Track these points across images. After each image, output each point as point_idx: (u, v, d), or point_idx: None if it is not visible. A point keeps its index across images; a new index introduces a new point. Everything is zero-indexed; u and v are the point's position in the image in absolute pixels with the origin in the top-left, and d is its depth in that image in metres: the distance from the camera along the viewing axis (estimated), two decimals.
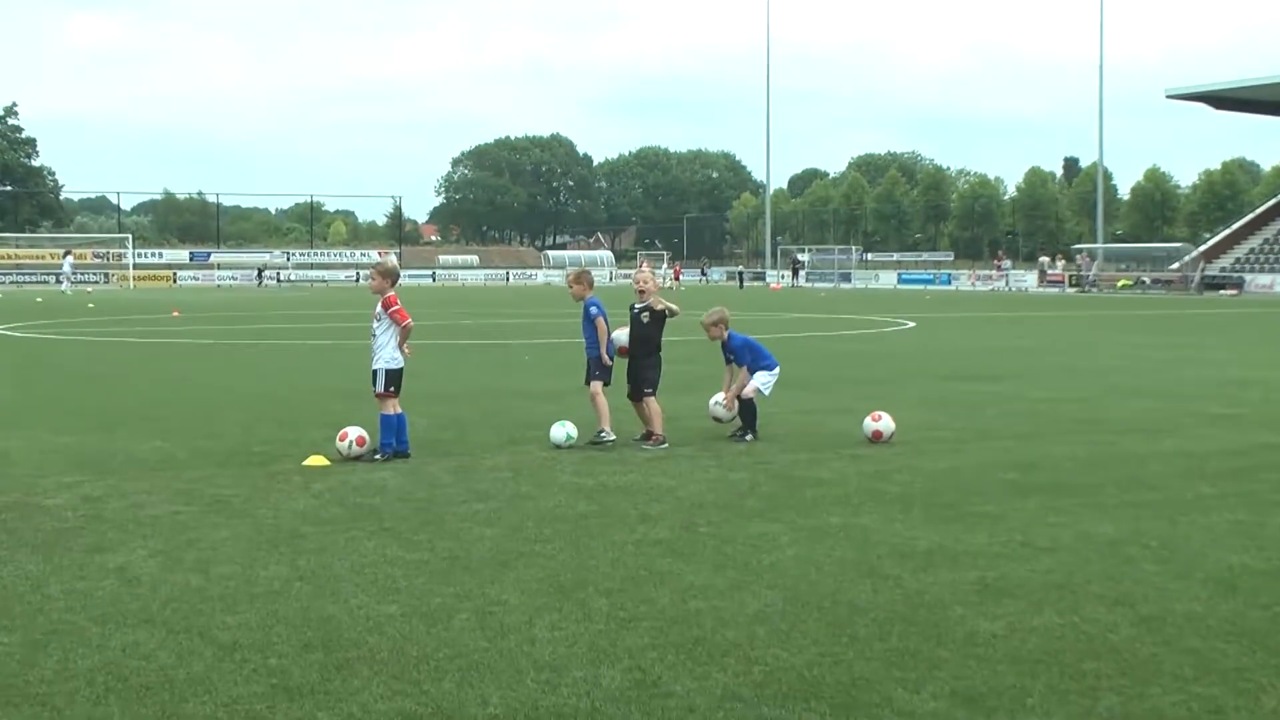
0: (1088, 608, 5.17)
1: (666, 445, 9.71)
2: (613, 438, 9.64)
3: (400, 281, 9.61)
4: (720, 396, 10.33)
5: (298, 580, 5.61)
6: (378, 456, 9.01)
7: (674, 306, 9.87)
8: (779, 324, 29.45)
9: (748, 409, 10.23)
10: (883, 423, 9.98)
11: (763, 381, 10.26)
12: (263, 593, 5.40)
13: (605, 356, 9.73)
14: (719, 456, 9.27)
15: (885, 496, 7.64)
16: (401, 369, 9.26)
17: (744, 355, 10.22)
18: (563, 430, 9.68)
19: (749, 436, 10.09)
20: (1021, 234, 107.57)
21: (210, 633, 4.82)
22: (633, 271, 10.61)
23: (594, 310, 9.74)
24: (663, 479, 8.29)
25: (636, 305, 10.02)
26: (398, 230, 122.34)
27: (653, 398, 9.90)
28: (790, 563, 5.92)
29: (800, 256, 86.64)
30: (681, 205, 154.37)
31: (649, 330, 9.89)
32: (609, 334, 9.83)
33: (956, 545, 6.31)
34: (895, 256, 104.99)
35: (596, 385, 9.78)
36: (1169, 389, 14.55)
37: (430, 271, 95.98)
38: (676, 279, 74.24)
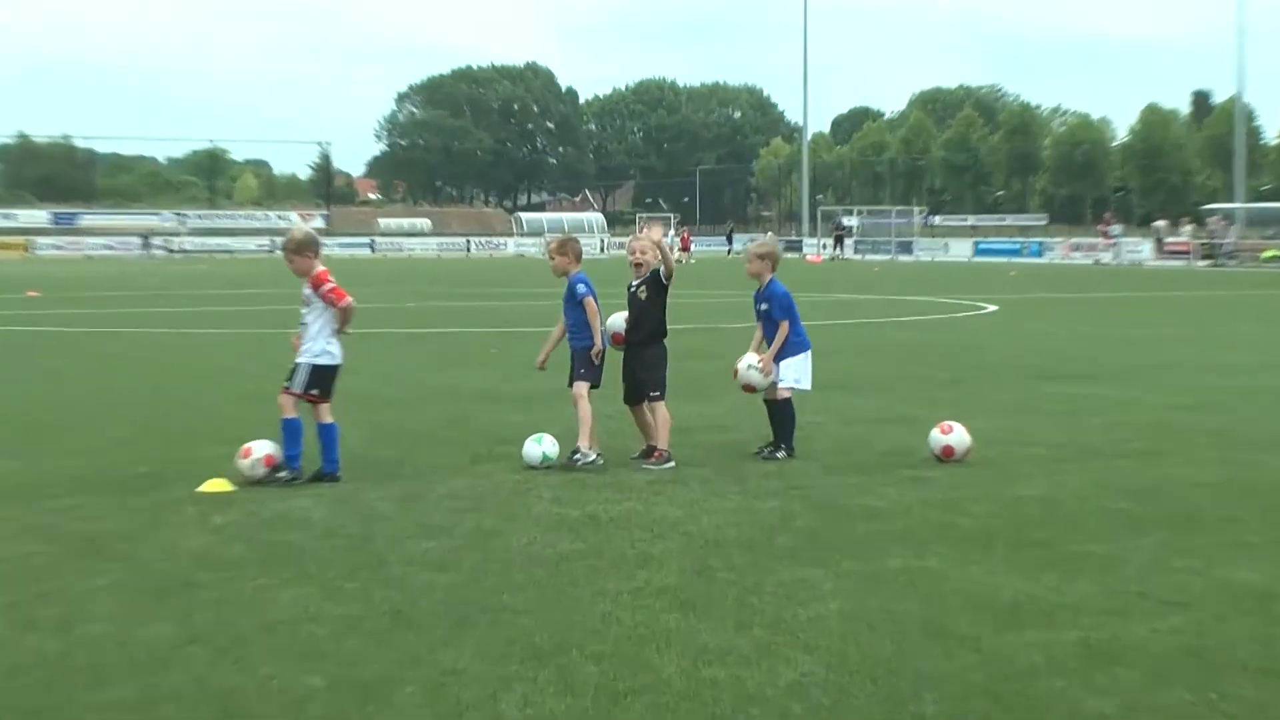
0: (1227, 680, 5.12)
1: (674, 464, 9.70)
2: (592, 458, 9.63)
3: (322, 251, 9.59)
4: (753, 357, 10.21)
5: (190, 643, 5.57)
6: (282, 475, 9.00)
7: (670, 260, 9.87)
8: (820, 307, 29.50)
9: (781, 415, 10.21)
10: (954, 436, 9.95)
11: (795, 376, 10.20)
12: (144, 660, 5.36)
13: (598, 346, 9.70)
14: (742, 480, 9.26)
15: (959, 532, 7.62)
16: (337, 366, 9.25)
17: (780, 309, 10.15)
18: (538, 448, 9.66)
19: (781, 454, 10.07)
20: (1136, 191, 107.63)
21: (73, 714, 4.77)
22: (629, 239, 10.78)
23: (581, 289, 9.73)
24: (669, 508, 8.28)
25: (634, 283, 10.00)
26: (325, 186, 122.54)
27: (660, 402, 9.89)
28: (835, 619, 5.90)
29: (846, 220, 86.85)
30: (693, 155, 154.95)
31: (648, 305, 9.89)
32: (601, 319, 9.82)
33: (1053, 597, 6.28)
34: (970, 220, 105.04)
35: (581, 387, 9.76)
36: None
37: (368, 239, 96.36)
38: (685, 249, 74.38)
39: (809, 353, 10.35)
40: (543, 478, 9.30)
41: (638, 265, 9.96)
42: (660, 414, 9.87)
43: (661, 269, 9.85)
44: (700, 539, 7.46)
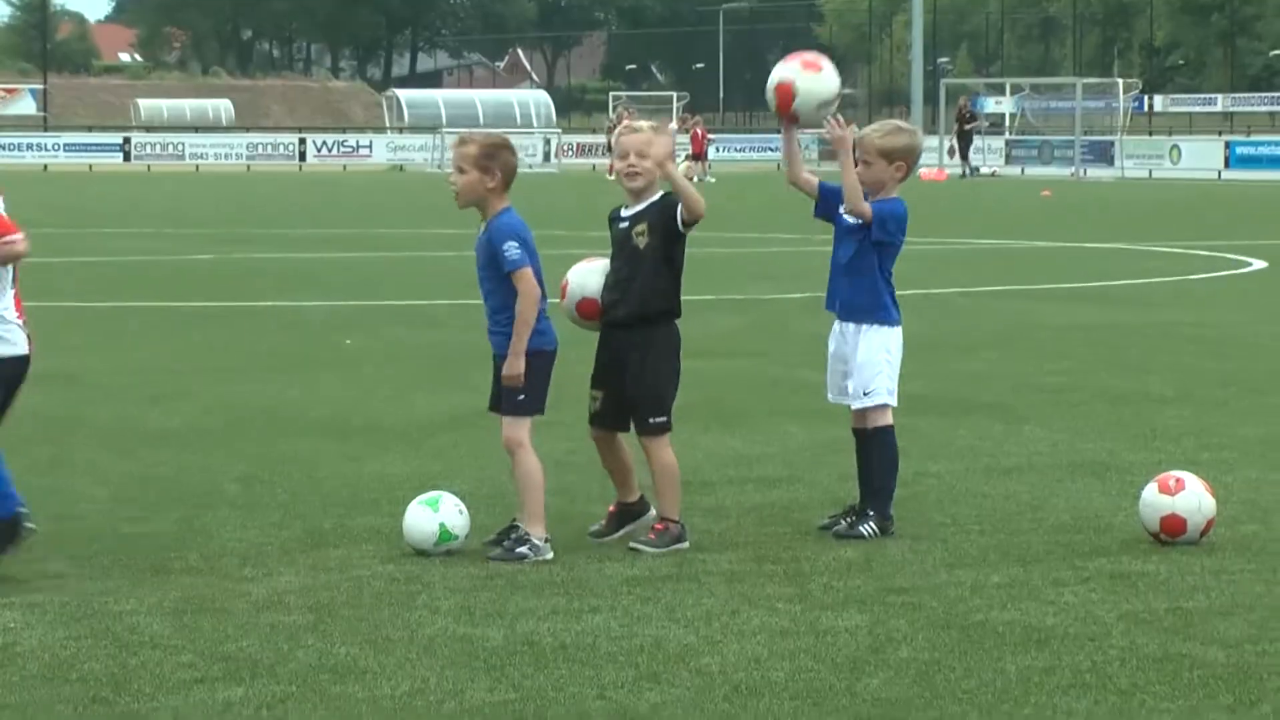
0: None
1: (686, 545, 9.78)
2: (548, 553, 9.59)
3: None
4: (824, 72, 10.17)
5: None
6: None
7: (692, 191, 9.85)
8: (941, 262, 29.44)
9: (878, 456, 10.28)
10: (1186, 497, 9.94)
11: (889, 382, 10.21)
12: None
13: (514, 370, 9.52)
14: (801, 575, 9.28)
15: (1198, 672, 7.61)
16: (19, 360, 9.12)
17: (890, 225, 10.21)
18: (432, 519, 9.64)
19: (868, 527, 10.12)
20: None
21: None
22: (615, 133, 10.65)
23: (513, 251, 9.49)
24: (669, 627, 8.29)
25: (625, 211, 9.96)
26: (38, 39, 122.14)
27: (662, 438, 9.94)
28: None
29: (993, 102, 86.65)
30: None
31: (648, 257, 9.84)
32: (543, 297, 9.69)
33: None
34: (1219, 104, 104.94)
35: (518, 427, 9.69)
36: None
37: (118, 137, 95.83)
38: (699, 155, 74.32)
39: (899, 332, 10.38)
40: (440, 572, 9.28)
41: (632, 176, 9.86)
42: (660, 458, 9.87)
43: (680, 206, 9.80)
44: (725, 682, 7.44)
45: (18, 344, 9.11)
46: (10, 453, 9.28)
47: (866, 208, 10.08)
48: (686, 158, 75.72)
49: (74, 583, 9.05)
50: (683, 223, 9.79)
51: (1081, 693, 7.33)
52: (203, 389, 15.90)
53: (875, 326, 10.22)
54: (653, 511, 9.96)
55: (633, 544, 9.76)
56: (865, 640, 8.09)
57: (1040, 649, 7.96)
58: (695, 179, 71.86)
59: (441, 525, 9.62)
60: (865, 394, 10.18)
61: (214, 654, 7.84)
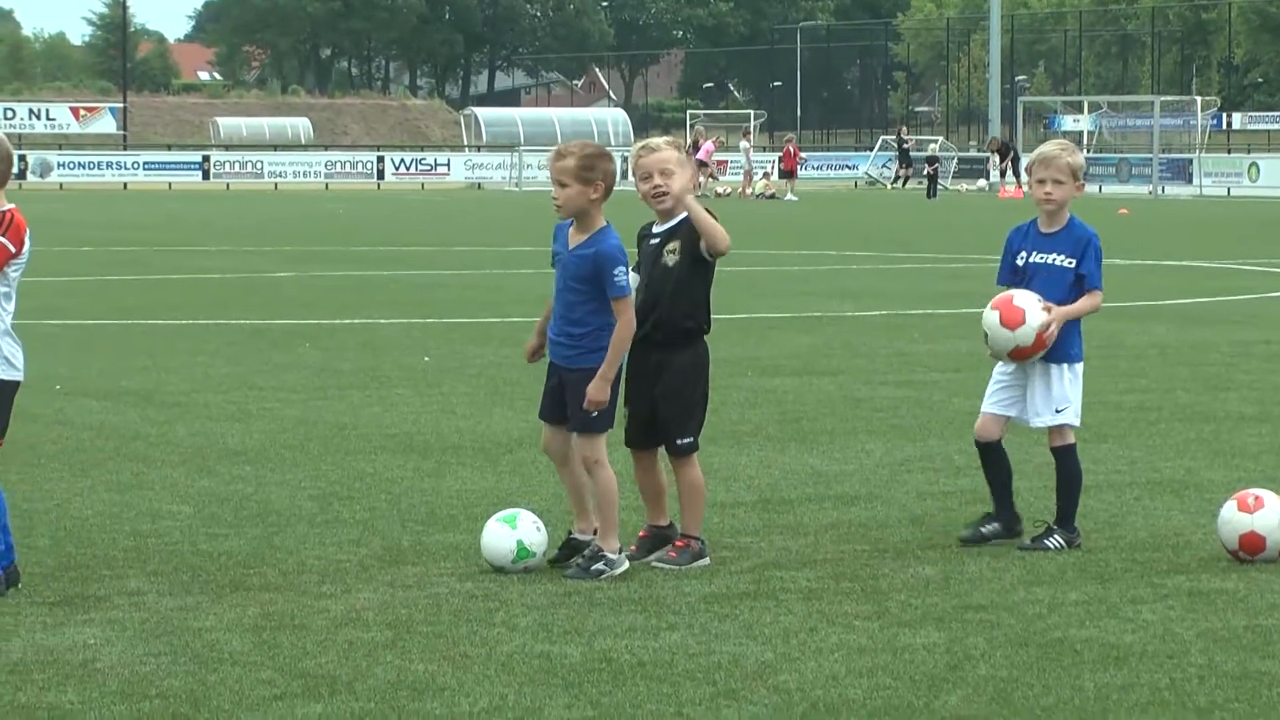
0: None
1: (708, 561, 9.83)
2: (623, 567, 9.62)
3: (12, 170, 9.32)
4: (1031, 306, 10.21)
5: None
6: None
7: (714, 226, 9.72)
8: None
9: (1072, 475, 10.40)
10: (1266, 515, 9.92)
11: (1075, 410, 10.38)
12: None
13: (598, 398, 9.41)
14: (877, 593, 9.29)
15: (1275, 692, 7.58)
16: (14, 384, 9.12)
17: (1099, 270, 10.31)
18: (510, 535, 9.68)
19: (1054, 540, 10.22)
20: None
21: None
22: (635, 149, 10.38)
23: (622, 278, 9.47)
24: (746, 643, 8.30)
25: (656, 229, 9.93)
26: (119, 58, 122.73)
27: (690, 457, 9.95)
28: None
29: (1066, 119, 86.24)
30: (790, 6, 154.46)
31: (676, 276, 9.79)
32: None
33: None
34: None
35: (591, 445, 9.69)
36: None
37: (198, 156, 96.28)
38: (791, 172, 74.30)
39: (1081, 368, 10.54)
40: (517, 589, 9.31)
41: (659, 197, 9.78)
42: (689, 477, 9.90)
43: (702, 241, 9.71)
44: (803, 699, 7.45)
45: (20, 366, 9.14)
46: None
47: (1084, 308, 10.35)
48: (763, 175, 76.07)
49: (153, 599, 9.12)
50: (709, 252, 9.75)
51: (1160, 710, 7.33)
52: (281, 406, 16.01)
53: (1075, 361, 10.45)
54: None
55: (655, 562, 9.79)
56: (943, 658, 8.10)
57: (1118, 667, 7.96)
58: (773, 195, 72.17)
59: (519, 542, 9.64)
60: (1054, 410, 10.35)
61: (293, 670, 7.90)
